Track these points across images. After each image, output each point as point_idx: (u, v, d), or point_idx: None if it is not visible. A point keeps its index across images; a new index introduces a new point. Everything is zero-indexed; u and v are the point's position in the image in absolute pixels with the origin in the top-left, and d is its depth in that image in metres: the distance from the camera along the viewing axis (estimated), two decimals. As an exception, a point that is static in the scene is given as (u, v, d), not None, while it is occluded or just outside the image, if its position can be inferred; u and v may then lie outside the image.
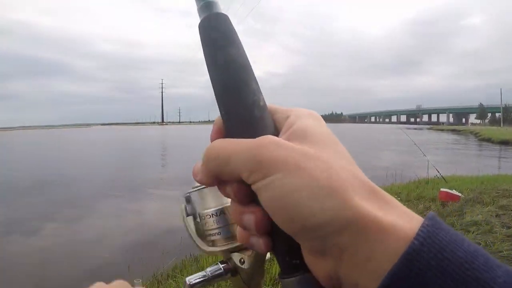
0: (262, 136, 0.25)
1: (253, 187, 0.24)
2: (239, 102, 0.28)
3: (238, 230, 0.28)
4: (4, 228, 5.69)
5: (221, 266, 0.41)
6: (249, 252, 0.39)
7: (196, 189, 0.42)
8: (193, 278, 0.40)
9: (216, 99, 0.29)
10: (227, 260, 0.41)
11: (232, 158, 0.25)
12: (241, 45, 0.29)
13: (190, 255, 3.76)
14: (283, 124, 0.28)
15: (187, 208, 0.43)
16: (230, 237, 0.40)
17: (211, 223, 0.41)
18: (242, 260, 0.39)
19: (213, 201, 0.41)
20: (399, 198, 4.62)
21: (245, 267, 0.39)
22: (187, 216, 0.43)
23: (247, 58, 0.29)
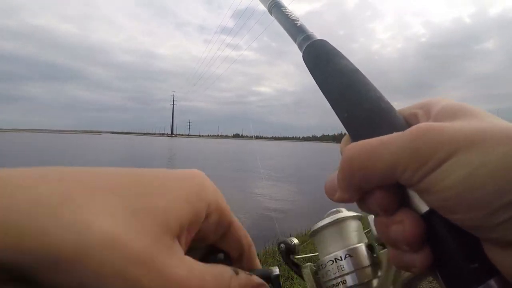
0: (412, 126, 0.21)
1: (419, 185, 0.20)
2: (363, 100, 0.26)
3: (390, 252, 0.24)
4: None
5: None
6: None
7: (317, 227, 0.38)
8: None
9: (336, 107, 0.28)
10: None
11: (384, 157, 0.20)
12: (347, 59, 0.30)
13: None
14: (416, 116, 0.25)
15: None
16: (361, 285, 0.33)
17: (334, 270, 0.34)
18: None
19: (335, 244, 0.36)
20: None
21: None
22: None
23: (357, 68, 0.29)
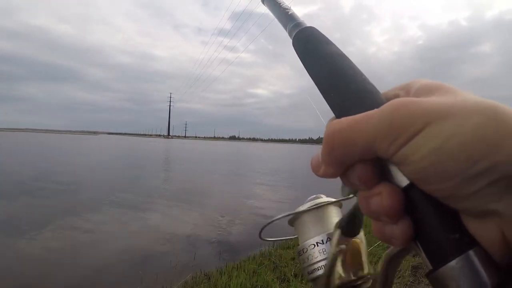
0: (389, 101, 0.21)
1: (395, 157, 0.21)
2: (349, 81, 0.27)
3: (372, 223, 0.24)
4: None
5: None
6: (367, 284, 0.33)
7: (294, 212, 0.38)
8: None
9: (322, 89, 0.29)
10: None
11: (363, 131, 0.21)
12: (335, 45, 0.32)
13: (201, 272, 3.53)
14: (398, 96, 0.25)
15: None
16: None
17: (316, 254, 0.35)
18: None
19: (315, 229, 0.36)
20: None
21: None
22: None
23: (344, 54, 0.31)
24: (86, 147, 35.13)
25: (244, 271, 3.35)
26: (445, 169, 0.19)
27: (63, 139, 66.03)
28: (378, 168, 0.23)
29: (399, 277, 3.11)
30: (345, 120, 0.23)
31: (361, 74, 0.28)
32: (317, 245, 0.35)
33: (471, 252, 0.19)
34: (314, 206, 0.37)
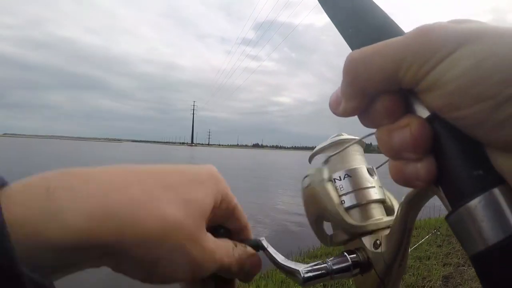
0: (418, 26, 0.20)
1: (423, 83, 0.19)
2: (369, 16, 0.26)
3: (390, 165, 0.22)
4: None
5: (348, 257, 0.32)
6: (385, 232, 0.31)
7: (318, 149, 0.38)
8: (308, 269, 0.32)
9: (340, 26, 0.28)
10: (354, 250, 0.33)
11: (388, 56, 0.20)
12: None
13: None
14: None
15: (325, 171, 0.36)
16: (359, 206, 0.33)
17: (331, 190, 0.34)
18: (377, 242, 0.31)
19: (334, 166, 0.35)
20: (438, 233, 4.36)
21: (382, 251, 0.30)
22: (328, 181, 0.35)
23: None
24: (114, 154, 36.06)
25: (272, 280, 3.31)
26: (477, 91, 0.17)
27: (90, 146, 68.16)
28: (401, 100, 0.21)
29: (430, 287, 3.00)
30: (367, 47, 0.21)
31: (382, 11, 0.26)
32: (334, 182, 0.34)
33: (496, 190, 0.18)
34: (333, 142, 0.37)
